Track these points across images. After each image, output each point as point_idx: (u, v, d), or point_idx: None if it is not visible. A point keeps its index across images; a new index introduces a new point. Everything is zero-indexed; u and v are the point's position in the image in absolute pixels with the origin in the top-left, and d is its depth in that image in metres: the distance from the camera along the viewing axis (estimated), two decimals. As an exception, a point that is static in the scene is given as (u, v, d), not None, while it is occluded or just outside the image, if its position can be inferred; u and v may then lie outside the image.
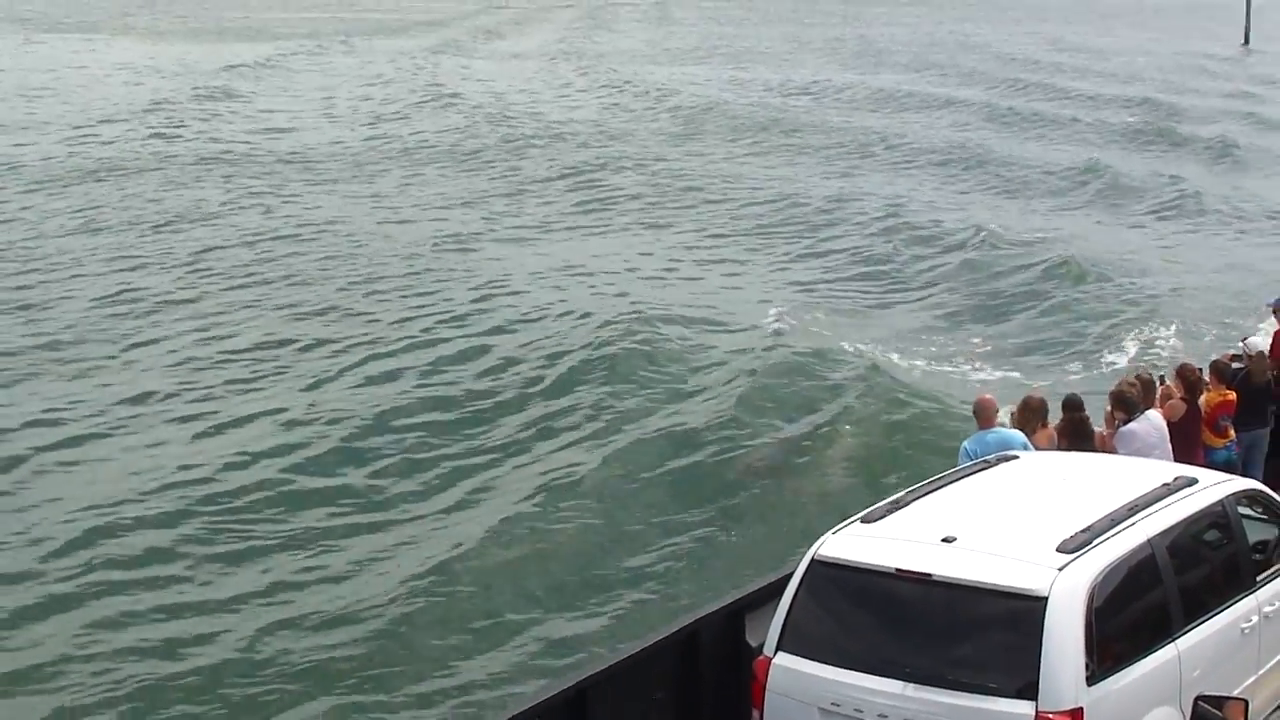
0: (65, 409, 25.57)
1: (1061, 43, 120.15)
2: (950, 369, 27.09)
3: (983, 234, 37.82)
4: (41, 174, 50.12)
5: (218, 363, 28.20)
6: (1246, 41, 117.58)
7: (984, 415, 14.87)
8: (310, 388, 26.30)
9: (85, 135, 59.88)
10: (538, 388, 24.81)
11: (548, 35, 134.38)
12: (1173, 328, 29.67)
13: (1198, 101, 75.32)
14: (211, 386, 26.76)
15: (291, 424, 24.14)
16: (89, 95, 75.14)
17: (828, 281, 34.28)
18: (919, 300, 32.12)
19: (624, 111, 72.04)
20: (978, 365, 27.43)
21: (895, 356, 27.18)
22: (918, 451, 21.42)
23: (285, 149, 58.42)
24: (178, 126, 62.95)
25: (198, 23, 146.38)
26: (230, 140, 60.70)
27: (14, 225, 41.21)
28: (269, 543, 19.22)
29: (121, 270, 35.56)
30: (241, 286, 34.53)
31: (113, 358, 28.45)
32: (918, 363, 27.14)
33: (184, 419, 24.76)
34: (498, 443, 22.46)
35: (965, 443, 14.64)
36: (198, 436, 23.87)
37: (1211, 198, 46.88)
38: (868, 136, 61.75)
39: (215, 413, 25.14)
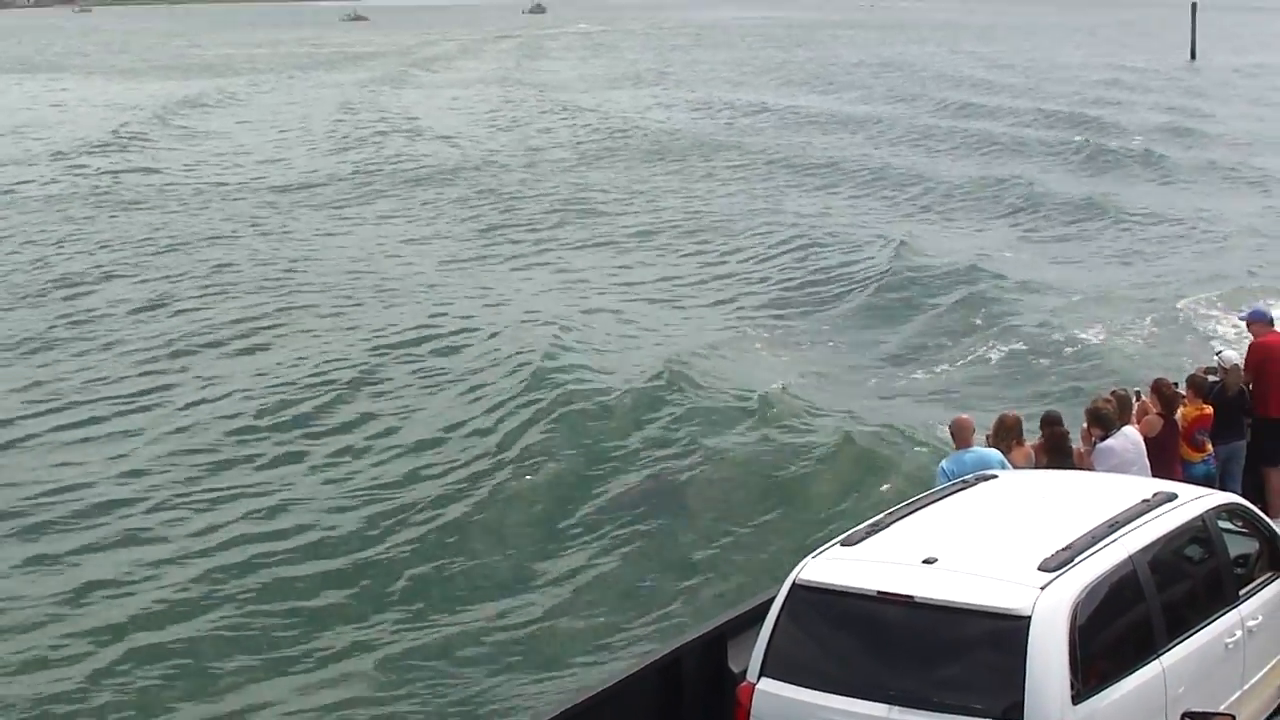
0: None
1: (1002, 60, 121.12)
2: (894, 393, 26.91)
3: (907, 253, 37.57)
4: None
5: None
6: (1193, 57, 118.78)
7: (961, 435, 14.85)
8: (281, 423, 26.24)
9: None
10: (492, 420, 24.59)
11: (486, 65, 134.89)
12: (1104, 340, 29.63)
13: (1133, 116, 75.93)
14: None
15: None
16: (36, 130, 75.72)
17: (755, 308, 33.95)
18: (849, 324, 31.88)
19: (549, 138, 72.33)
20: (916, 386, 27.25)
21: (831, 384, 26.95)
22: (877, 475, 21.28)
23: (220, 180, 59.23)
24: (123, 156, 63.70)
25: (157, 61, 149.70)
26: (166, 171, 61.99)
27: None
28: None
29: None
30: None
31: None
32: (857, 387, 26.98)
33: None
34: (466, 469, 22.31)
35: (943, 463, 14.63)
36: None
37: (1140, 209, 47.09)
38: (798, 157, 61.77)
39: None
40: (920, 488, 18.21)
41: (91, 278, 39.43)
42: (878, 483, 20.75)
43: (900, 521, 11.72)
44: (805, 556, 11.46)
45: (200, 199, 55.12)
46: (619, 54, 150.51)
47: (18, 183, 58.72)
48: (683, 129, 74.78)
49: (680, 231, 43.64)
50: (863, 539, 11.46)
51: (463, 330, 30.70)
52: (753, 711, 11.00)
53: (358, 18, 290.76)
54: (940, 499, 12.25)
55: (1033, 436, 15.51)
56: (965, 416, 15.31)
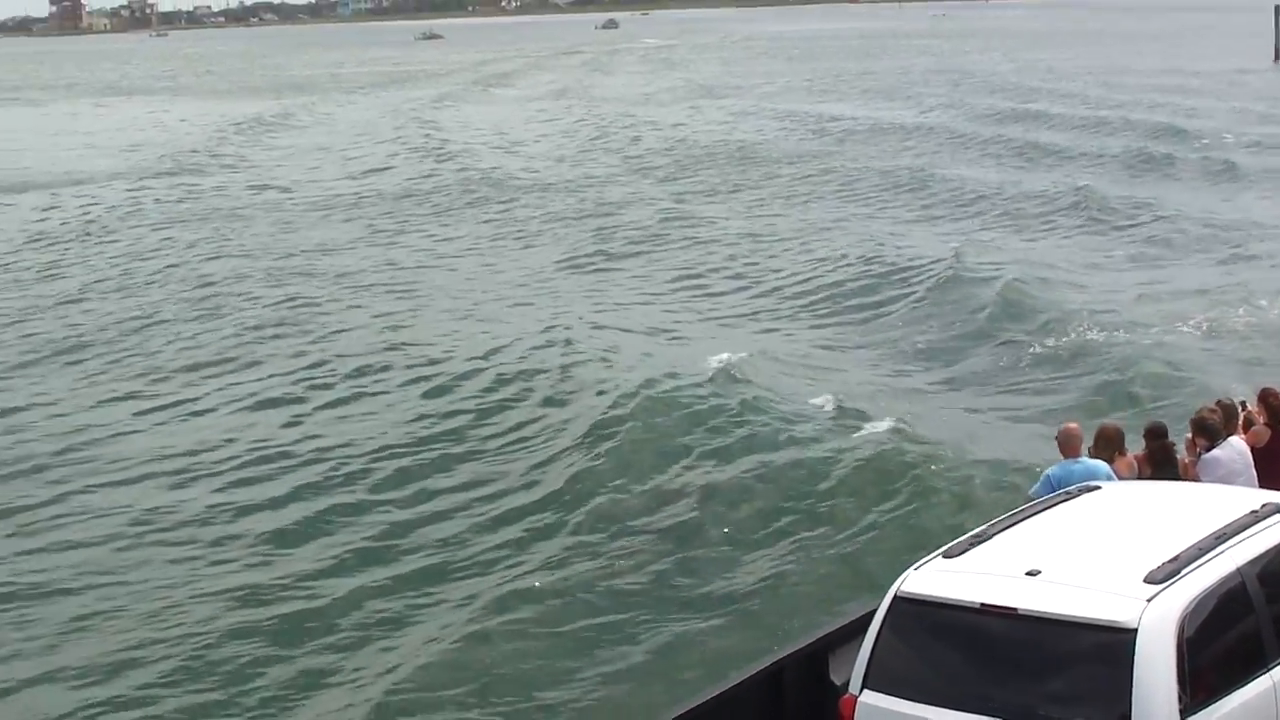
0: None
1: (1077, 67, 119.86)
2: (971, 407, 26.43)
3: (967, 267, 36.48)
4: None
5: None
6: (1277, 58, 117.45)
7: (1069, 445, 14.62)
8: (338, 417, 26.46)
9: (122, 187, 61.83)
10: (577, 430, 24.52)
11: (553, 79, 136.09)
12: (1193, 351, 29.10)
13: (1212, 121, 74.55)
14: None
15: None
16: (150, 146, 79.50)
17: (827, 318, 33.42)
18: (924, 335, 31.01)
19: (612, 152, 72.22)
20: (992, 399, 26.72)
21: (910, 397, 26.47)
22: (963, 486, 21.04)
23: (287, 196, 60.45)
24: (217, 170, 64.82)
25: (245, 81, 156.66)
26: (269, 183, 63.81)
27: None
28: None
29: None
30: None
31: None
32: (934, 399, 26.56)
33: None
34: (551, 479, 22.29)
35: (1050, 470, 14.45)
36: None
37: (1223, 216, 45.76)
38: (856, 170, 60.61)
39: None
40: (1008, 498, 18.27)
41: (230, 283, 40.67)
42: (965, 494, 20.55)
43: (1003, 533, 11.63)
44: (906, 568, 11.41)
45: (286, 211, 56.30)
46: (687, 68, 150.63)
47: (154, 199, 60.66)
48: (747, 140, 74.20)
49: (750, 243, 43.14)
50: (965, 551, 11.39)
51: (521, 340, 30.67)
52: (854, 725, 10.97)
53: (432, 36, 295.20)
54: (1043, 510, 12.14)
55: (1134, 447, 15.34)
56: (1073, 425, 15.06)
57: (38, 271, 44.93)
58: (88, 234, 52.15)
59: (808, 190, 55.91)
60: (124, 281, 42.00)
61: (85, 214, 57.13)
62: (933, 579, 11.10)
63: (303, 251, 45.88)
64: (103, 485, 23.73)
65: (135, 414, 27.79)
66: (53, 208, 59.67)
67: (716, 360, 28.07)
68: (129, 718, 16.08)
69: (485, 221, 51.02)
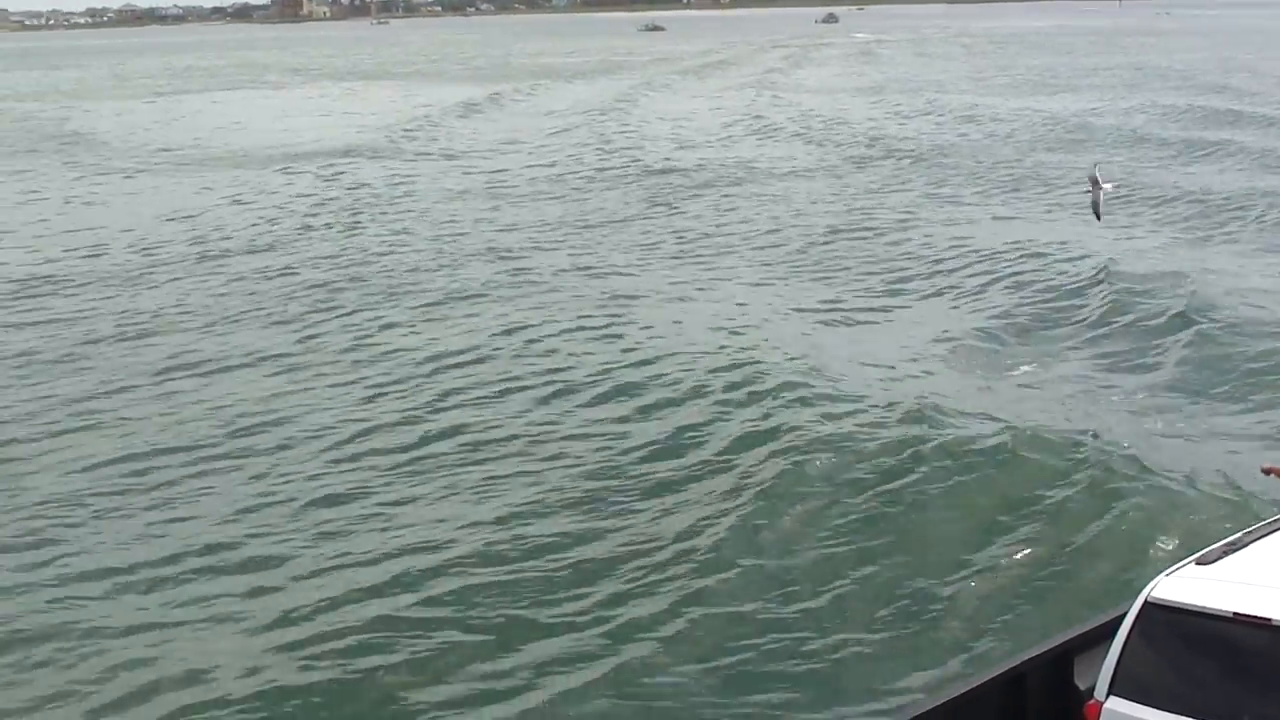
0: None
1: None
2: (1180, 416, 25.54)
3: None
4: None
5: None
6: None
7: None
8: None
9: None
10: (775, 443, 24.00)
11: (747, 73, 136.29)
12: None
13: None
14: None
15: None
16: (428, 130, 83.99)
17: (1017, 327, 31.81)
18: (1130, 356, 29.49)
19: (784, 146, 71.54)
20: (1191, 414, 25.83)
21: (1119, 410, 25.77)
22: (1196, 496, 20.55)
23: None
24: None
25: (483, 67, 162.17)
26: (535, 165, 65.76)
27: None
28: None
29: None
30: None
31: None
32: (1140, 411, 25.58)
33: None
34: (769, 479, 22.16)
35: None
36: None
37: None
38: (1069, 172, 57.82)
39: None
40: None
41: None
42: (1198, 504, 20.09)
43: (1258, 542, 11.39)
44: (1157, 575, 11.24)
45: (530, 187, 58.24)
46: (886, 63, 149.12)
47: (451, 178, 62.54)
48: (927, 137, 72.64)
49: (927, 246, 41.78)
50: (1218, 558, 11.18)
51: (705, 343, 30.17)
52: (1100, 730, 10.86)
53: (655, 28, 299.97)
54: (1300, 520, 11.89)
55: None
56: None
57: (341, 230, 48.16)
58: (372, 203, 54.74)
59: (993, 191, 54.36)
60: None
61: (364, 185, 60.37)
62: (1185, 586, 10.92)
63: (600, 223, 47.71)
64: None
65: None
66: (338, 174, 63.70)
67: (929, 366, 27.82)
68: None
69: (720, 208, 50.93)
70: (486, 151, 72.31)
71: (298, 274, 40.46)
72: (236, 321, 34.55)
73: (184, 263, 42.84)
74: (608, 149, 71.48)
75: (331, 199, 56.05)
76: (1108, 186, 27.67)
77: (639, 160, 65.95)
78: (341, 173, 64.11)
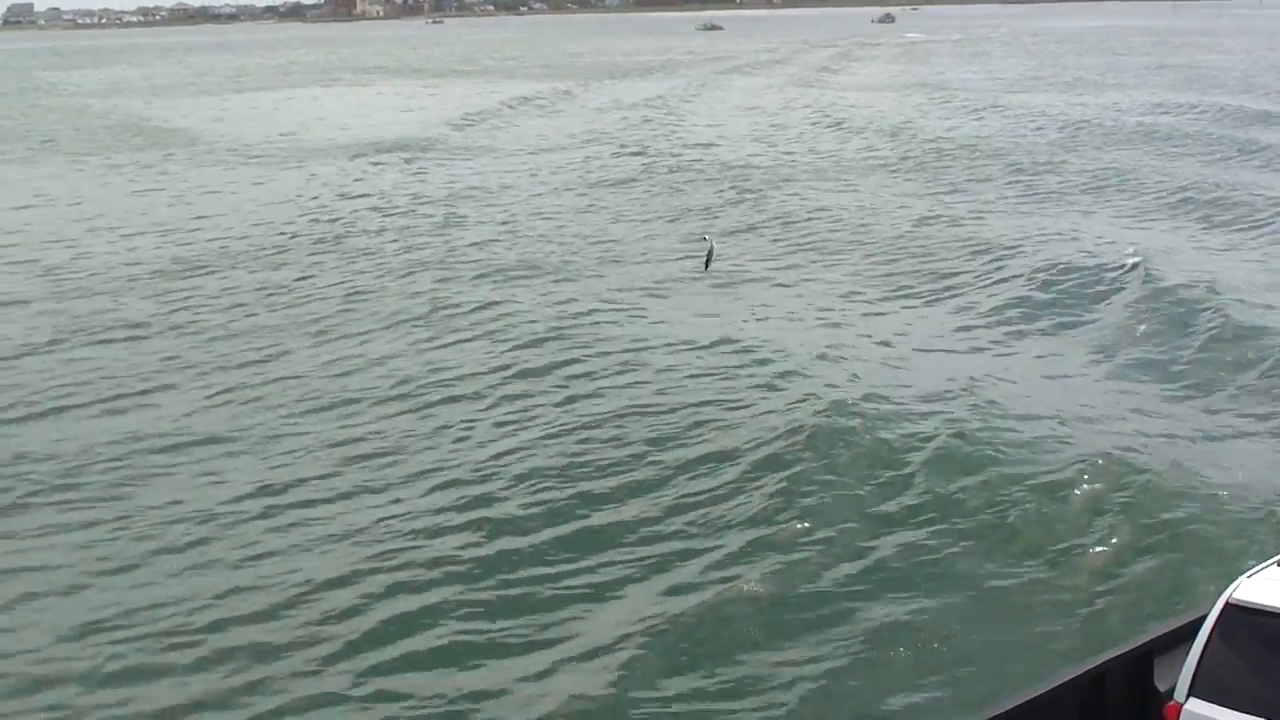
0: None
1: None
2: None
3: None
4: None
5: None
6: None
7: None
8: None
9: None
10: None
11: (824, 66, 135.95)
12: None
13: None
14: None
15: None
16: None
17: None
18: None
19: (802, 144, 71.73)
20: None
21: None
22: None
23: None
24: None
25: (552, 64, 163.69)
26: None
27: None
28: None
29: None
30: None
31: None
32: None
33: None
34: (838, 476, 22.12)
35: None
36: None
37: None
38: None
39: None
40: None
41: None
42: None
43: (1341, 544, 11.36)
44: (1239, 576, 11.18)
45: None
46: (985, 60, 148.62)
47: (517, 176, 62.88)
48: (965, 135, 72.35)
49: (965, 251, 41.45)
50: (1301, 560, 11.14)
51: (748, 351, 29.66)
52: (1180, 731, 10.81)
53: (713, 27, 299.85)
54: (1385, 523, 11.83)
55: None
56: None
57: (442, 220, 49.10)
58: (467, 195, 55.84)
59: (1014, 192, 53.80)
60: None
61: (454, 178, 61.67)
62: (1267, 588, 10.88)
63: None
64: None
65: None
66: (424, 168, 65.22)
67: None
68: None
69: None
70: (530, 149, 72.92)
71: (420, 255, 42.16)
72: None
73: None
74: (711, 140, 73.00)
75: (422, 190, 57.33)
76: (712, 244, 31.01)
77: (719, 156, 66.19)
78: (424, 166, 65.71)
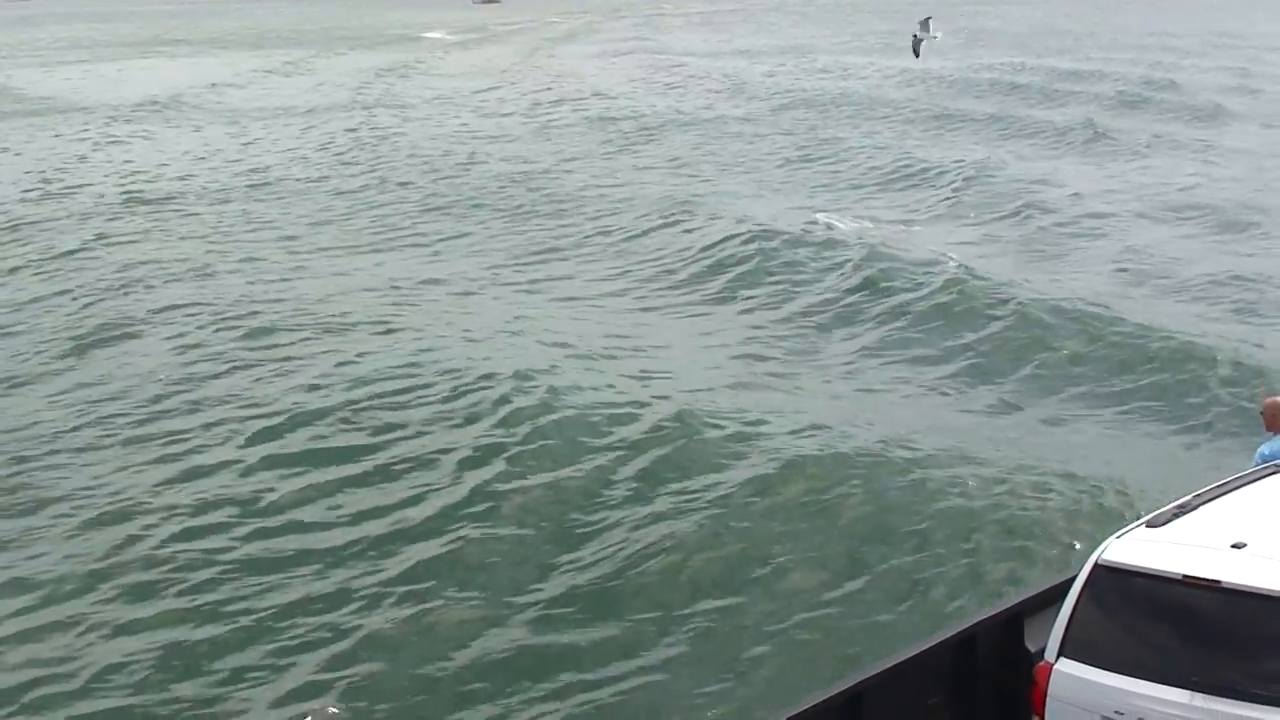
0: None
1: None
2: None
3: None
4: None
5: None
6: None
7: (1275, 419, 14.36)
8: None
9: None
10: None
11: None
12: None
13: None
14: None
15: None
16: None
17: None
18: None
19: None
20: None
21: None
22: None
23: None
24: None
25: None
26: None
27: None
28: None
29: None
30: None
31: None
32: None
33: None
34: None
35: (1261, 447, 14.22)
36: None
37: None
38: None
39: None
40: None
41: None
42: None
43: (1208, 504, 11.52)
44: (1108, 537, 11.30)
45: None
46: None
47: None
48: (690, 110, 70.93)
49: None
50: (1168, 521, 11.28)
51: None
52: (1050, 692, 10.91)
53: (489, 0, 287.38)
54: (1249, 483, 12.02)
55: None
56: (1278, 399, 14.81)
57: None
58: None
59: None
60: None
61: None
62: (1135, 548, 11.00)
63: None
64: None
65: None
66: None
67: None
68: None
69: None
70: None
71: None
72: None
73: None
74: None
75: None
76: (936, 35, 29.66)
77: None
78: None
